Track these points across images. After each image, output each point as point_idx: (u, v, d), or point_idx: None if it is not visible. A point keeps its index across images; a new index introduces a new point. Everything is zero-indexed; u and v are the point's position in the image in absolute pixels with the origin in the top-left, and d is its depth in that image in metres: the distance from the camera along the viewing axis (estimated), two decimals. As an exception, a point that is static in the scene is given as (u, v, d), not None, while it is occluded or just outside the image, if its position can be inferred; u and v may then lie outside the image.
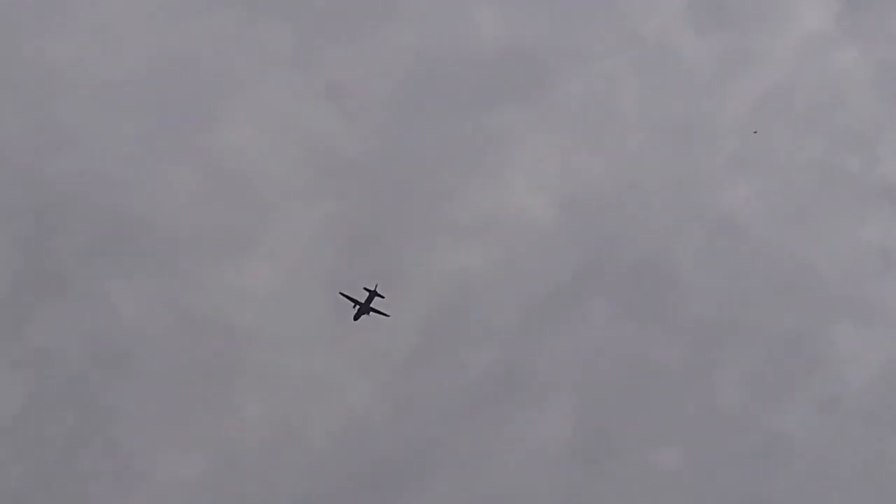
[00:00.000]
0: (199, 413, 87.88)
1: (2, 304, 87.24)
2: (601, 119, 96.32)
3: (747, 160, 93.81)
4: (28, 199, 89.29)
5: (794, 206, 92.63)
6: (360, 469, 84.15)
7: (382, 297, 66.24)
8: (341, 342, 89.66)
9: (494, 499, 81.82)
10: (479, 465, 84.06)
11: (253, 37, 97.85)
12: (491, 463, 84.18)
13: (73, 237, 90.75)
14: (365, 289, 68.73)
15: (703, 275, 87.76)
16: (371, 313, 68.60)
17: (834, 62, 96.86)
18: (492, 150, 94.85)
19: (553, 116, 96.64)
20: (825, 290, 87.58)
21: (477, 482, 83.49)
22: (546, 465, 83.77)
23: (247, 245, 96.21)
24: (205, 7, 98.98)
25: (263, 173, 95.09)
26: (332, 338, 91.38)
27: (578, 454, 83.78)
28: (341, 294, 68.98)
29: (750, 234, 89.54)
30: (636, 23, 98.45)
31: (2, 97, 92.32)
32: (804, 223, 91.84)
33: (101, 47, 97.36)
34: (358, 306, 70.23)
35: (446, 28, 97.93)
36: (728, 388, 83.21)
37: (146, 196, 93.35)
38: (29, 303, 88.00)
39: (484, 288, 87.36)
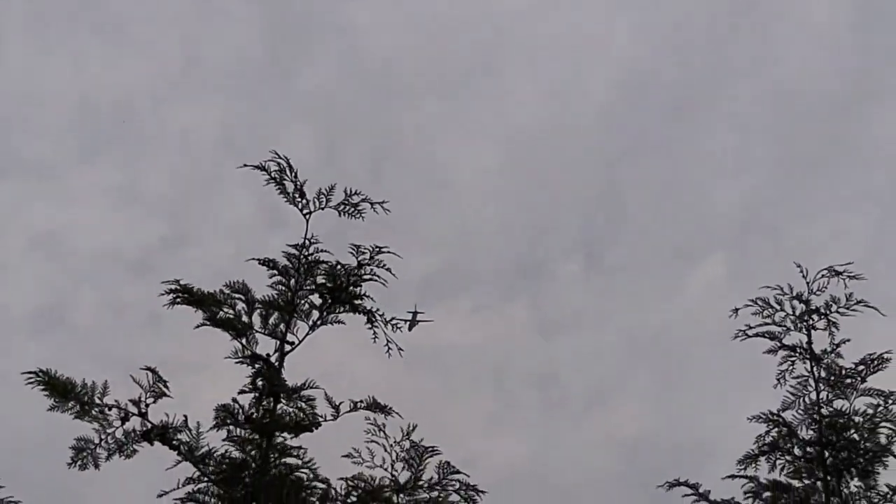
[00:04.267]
0: (479, 106, 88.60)
1: (256, 62, 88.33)
2: None
3: None
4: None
5: None
6: (648, 115, 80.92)
7: (423, 312, 76.68)
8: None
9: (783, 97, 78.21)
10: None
11: None
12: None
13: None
14: (408, 311, 77.38)
15: None
16: (420, 323, 78.27)
17: None
18: None
19: None
20: None
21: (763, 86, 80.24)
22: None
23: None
24: None
25: None
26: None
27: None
28: (394, 318, 77.52)
29: None
30: None
31: None
32: None
33: None
34: (408, 322, 77.21)
35: None
36: None
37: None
38: (284, 51, 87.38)
39: None
